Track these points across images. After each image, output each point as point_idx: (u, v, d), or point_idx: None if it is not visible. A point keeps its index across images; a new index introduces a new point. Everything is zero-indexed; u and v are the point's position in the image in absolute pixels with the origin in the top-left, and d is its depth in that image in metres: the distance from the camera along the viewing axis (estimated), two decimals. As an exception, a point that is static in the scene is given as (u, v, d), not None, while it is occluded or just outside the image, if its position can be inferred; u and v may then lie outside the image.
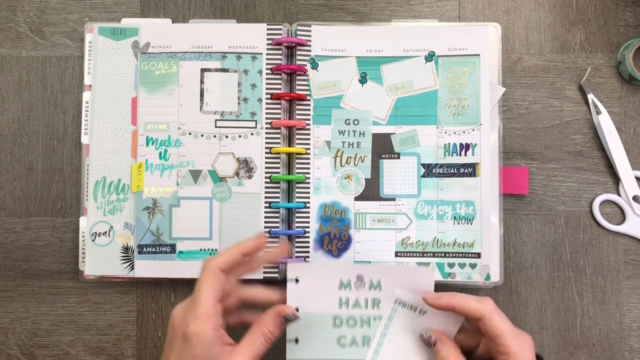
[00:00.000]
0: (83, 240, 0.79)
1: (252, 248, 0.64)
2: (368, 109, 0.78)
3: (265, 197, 0.77)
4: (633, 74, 0.77)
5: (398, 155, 0.78)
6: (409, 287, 0.67)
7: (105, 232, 0.78)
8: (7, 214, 0.80)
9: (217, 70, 0.79)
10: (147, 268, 0.77)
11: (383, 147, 0.78)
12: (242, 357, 0.60)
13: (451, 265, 0.76)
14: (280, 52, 0.79)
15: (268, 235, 0.70)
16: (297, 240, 0.78)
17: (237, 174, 0.78)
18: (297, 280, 0.68)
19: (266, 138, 0.78)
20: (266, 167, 0.78)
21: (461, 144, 0.77)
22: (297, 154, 0.78)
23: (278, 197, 0.78)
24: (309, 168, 0.78)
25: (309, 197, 0.78)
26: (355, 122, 0.78)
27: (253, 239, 0.65)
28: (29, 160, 0.81)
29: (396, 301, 0.67)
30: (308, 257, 0.77)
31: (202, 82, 0.79)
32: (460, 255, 0.77)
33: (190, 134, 0.78)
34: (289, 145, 0.79)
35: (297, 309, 0.66)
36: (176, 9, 0.82)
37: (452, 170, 0.77)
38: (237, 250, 0.63)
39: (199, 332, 0.59)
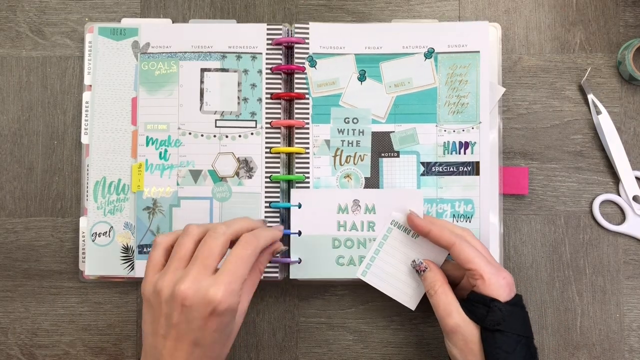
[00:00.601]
0: (83, 240, 0.79)
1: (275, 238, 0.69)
2: (367, 107, 0.78)
3: (266, 197, 0.77)
4: (633, 74, 0.77)
5: (397, 154, 0.78)
6: (402, 208, 0.73)
7: (106, 232, 0.78)
8: (7, 214, 0.81)
9: (217, 70, 0.79)
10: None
11: (382, 145, 0.78)
12: (248, 297, 0.66)
13: (451, 265, 0.76)
14: (280, 52, 0.79)
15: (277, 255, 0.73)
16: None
17: (237, 173, 0.78)
18: (299, 206, 0.75)
19: (266, 138, 0.78)
20: (266, 167, 0.78)
21: (460, 142, 0.77)
22: (297, 153, 0.78)
23: (278, 197, 0.77)
24: (308, 167, 0.78)
25: (308, 197, 0.78)
26: (355, 121, 0.78)
27: (273, 229, 0.69)
28: (29, 160, 0.81)
29: (392, 222, 0.73)
30: (308, 256, 0.77)
31: (202, 82, 0.79)
32: (460, 254, 0.76)
33: (190, 133, 0.78)
34: (289, 145, 0.79)
35: (299, 232, 0.75)
36: (176, 9, 0.82)
37: (452, 169, 0.77)
38: (272, 234, 0.67)
39: (232, 307, 0.60)
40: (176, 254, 0.62)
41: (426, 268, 0.71)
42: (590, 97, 0.80)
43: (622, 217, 0.80)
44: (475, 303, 0.66)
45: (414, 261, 0.72)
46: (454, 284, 0.72)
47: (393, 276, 0.74)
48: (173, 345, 0.59)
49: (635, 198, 0.79)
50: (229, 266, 0.60)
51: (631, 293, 0.79)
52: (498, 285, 0.65)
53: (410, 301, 0.74)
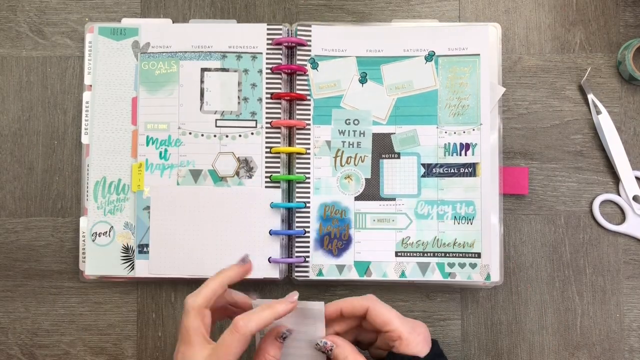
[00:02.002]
0: (83, 240, 0.79)
1: (235, 278, 0.65)
2: (368, 108, 0.78)
3: (266, 197, 0.78)
4: (633, 74, 0.77)
5: (398, 155, 0.78)
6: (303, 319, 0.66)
7: (106, 232, 0.78)
8: (7, 214, 0.81)
9: (217, 70, 0.79)
10: (148, 268, 0.77)
11: (383, 146, 0.78)
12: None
13: (451, 265, 0.77)
14: (280, 52, 0.79)
15: (250, 259, 0.68)
16: (297, 240, 0.78)
17: (237, 173, 0.78)
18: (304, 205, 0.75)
19: (266, 138, 0.78)
20: (266, 167, 0.78)
21: (461, 144, 0.77)
22: (297, 153, 0.78)
23: (278, 197, 0.78)
24: (309, 168, 0.78)
25: (309, 197, 0.78)
26: (356, 122, 0.78)
27: (236, 267, 0.66)
28: (29, 160, 0.81)
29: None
30: (308, 256, 0.77)
31: (202, 81, 0.79)
32: (460, 255, 0.77)
33: (190, 133, 0.78)
34: (289, 145, 0.79)
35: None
36: (176, 9, 0.82)
37: (452, 170, 0.77)
38: (219, 284, 0.64)
39: (191, 325, 0.60)
40: None
41: (332, 346, 0.65)
42: (590, 97, 0.80)
43: (622, 217, 0.80)
44: None
45: (317, 344, 0.66)
46: (366, 345, 0.71)
47: None
48: None
49: (635, 198, 0.79)
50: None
51: (631, 293, 0.79)
52: (416, 343, 0.64)
53: None
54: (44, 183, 0.81)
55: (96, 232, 0.78)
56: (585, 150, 0.80)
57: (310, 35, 0.79)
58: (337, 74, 0.78)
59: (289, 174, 0.78)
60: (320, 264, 0.77)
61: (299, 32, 0.79)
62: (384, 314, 0.65)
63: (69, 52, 0.82)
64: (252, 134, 0.78)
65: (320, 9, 0.82)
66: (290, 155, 0.79)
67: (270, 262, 0.77)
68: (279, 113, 0.78)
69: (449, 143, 0.78)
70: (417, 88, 0.78)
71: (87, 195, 0.78)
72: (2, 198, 0.81)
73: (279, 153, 0.78)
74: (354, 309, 0.66)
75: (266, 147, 0.78)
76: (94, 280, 0.79)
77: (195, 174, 0.78)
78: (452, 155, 0.77)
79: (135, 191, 0.78)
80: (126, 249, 0.78)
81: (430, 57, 0.78)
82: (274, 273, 0.77)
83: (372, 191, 0.78)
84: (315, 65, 0.78)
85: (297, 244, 0.78)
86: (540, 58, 0.81)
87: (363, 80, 0.78)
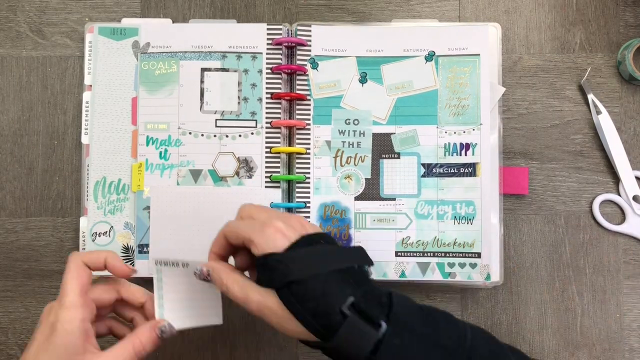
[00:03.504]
0: (83, 240, 0.78)
1: (115, 266, 0.64)
2: (368, 108, 0.78)
3: (266, 197, 0.78)
4: (633, 74, 0.77)
5: (398, 155, 0.78)
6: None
7: (106, 232, 0.78)
8: (7, 214, 0.81)
9: (217, 69, 0.79)
10: (148, 268, 0.77)
11: (383, 146, 0.78)
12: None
13: (451, 265, 0.77)
14: (280, 52, 0.79)
15: (136, 272, 0.66)
16: (297, 240, 0.78)
17: (237, 173, 0.78)
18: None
19: (266, 138, 0.78)
20: (266, 167, 0.78)
21: (461, 144, 0.77)
22: (297, 153, 0.78)
23: (278, 197, 0.77)
24: (309, 168, 0.78)
25: (309, 197, 0.78)
26: (356, 122, 0.78)
27: (122, 264, 0.64)
28: (29, 160, 0.81)
29: (156, 263, 0.65)
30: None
31: (202, 81, 0.79)
32: (460, 255, 0.77)
33: (190, 133, 0.78)
34: (289, 145, 0.79)
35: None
36: (176, 9, 0.82)
37: (452, 170, 0.77)
38: (103, 255, 0.63)
39: (64, 320, 0.58)
40: None
41: (208, 271, 0.61)
42: (590, 97, 0.80)
43: (622, 217, 0.80)
44: (260, 270, 0.58)
45: (195, 272, 0.62)
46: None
47: (190, 304, 0.66)
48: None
49: (635, 198, 0.79)
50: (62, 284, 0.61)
51: (631, 293, 0.79)
52: (267, 239, 0.57)
53: (214, 317, 0.67)
54: (44, 183, 0.81)
55: (96, 232, 0.78)
56: (585, 150, 0.80)
57: (310, 35, 0.79)
58: (337, 74, 0.78)
59: (289, 174, 0.78)
60: (320, 264, 0.77)
61: (299, 32, 0.79)
62: (235, 228, 0.60)
63: (69, 52, 0.82)
64: (252, 134, 0.78)
65: (320, 9, 0.82)
66: (290, 155, 0.79)
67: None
68: (279, 113, 0.78)
69: (449, 143, 0.78)
70: (417, 88, 0.78)
71: (87, 195, 0.78)
72: (2, 198, 0.81)
73: (279, 153, 0.78)
74: (215, 243, 0.62)
75: (266, 147, 0.78)
76: (94, 280, 0.79)
77: (195, 174, 0.78)
78: (452, 155, 0.78)
79: (135, 191, 0.78)
80: (126, 249, 0.78)
81: (430, 57, 0.78)
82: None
83: (372, 191, 0.78)
84: (315, 65, 0.78)
85: (297, 244, 0.78)
86: (540, 58, 0.81)
87: (363, 80, 0.78)
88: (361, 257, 0.60)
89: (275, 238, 0.57)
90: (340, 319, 0.54)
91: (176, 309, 0.65)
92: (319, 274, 0.55)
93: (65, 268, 0.61)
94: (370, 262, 0.60)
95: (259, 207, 0.62)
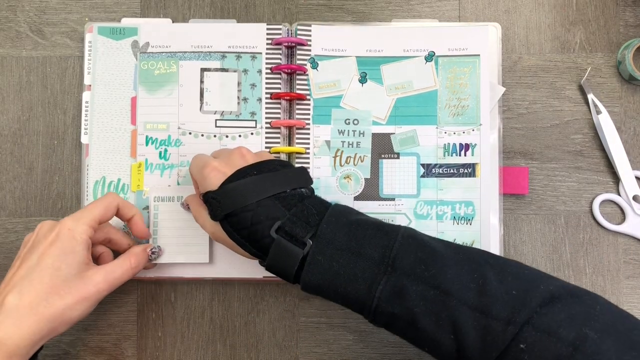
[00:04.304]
0: (83, 240, 0.79)
1: (139, 225, 0.73)
2: (368, 108, 0.78)
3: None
4: (633, 73, 0.77)
5: (398, 155, 0.78)
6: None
7: (106, 231, 0.78)
8: (7, 214, 0.81)
9: (216, 70, 0.79)
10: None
11: (383, 147, 0.78)
12: (103, 276, 0.66)
13: (451, 265, 0.76)
14: (279, 51, 0.79)
15: (151, 236, 0.76)
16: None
17: (237, 173, 0.78)
18: None
19: (266, 138, 0.78)
20: (266, 167, 0.78)
21: (461, 144, 0.77)
22: (297, 153, 0.78)
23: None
24: (308, 168, 0.78)
25: (308, 197, 0.78)
26: (355, 122, 0.78)
27: (144, 226, 0.74)
28: (29, 160, 0.81)
29: (154, 199, 0.77)
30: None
31: (202, 81, 0.79)
32: (460, 255, 0.76)
33: (190, 133, 0.78)
34: (289, 145, 0.79)
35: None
36: (176, 9, 0.82)
37: (452, 171, 0.77)
38: (134, 211, 0.73)
39: (75, 229, 0.65)
40: None
41: (187, 204, 0.73)
42: (590, 96, 0.80)
43: (622, 217, 0.80)
44: (207, 206, 0.66)
45: (181, 205, 0.76)
46: None
47: (180, 241, 0.77)
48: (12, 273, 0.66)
49: (635, 198, 0.79)
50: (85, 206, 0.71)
51: (631, 293, 0.79)
52: (204, 178, 0.65)
53: (201, 255, 0.77)
54: (44, 183, 0.81)
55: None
56: (585, 150, 0.80)
57: (310, 35, 0.79)
58: (337, 74, 0.78)
59: (289, 174, 0.78)
60: (320, 264, 0.77)
61: (298, 32, 0.79)
62: (189, 171, 0.70)
63: (68, 52, 0.82)
64: (251, 134, 0.78)
65: (320, 8, 0.82)
66: (290, 155, 0.79)
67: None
68: (278, 113, 0.78)
69: (449, 143, 0.78)
70: (417, 88, 0.78)
71: (87, 195, 0.78)
72: (2, 198, 0.81)
73: (278, 153, 0.78)
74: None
75: (266, 147, 0.78)
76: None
77: (195, 174, 0.78)
78: (451, 156, 0.78)
79: (134, 191, 0.78)
80: (126, 249, 0.78)
81: (430, 57, 0.78)
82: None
83: (371, 191, 0.78)
84: (315, 65, 0.78)
85: (296, 244, 0.78)
86: (540, 58, 0.81)
87: (363, 80, 0.78)
88: (295, 180, 0.66)
89: (210, 177, 0.64)
90: (269, 241, 0.62)
91: (167, 244, 0.76)
92: (248, 204, 0.62)
93: (100, 198, 0.70)
94: (307, 183, 0.68)
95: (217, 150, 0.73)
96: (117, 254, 0.73)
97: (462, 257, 0.60)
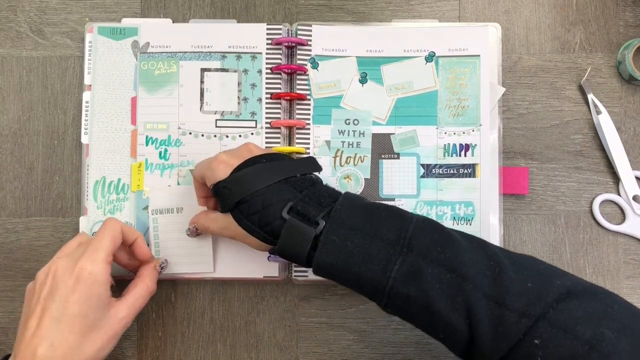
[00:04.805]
0: (83, 240, 0.79)
1: (142, 249, 0.73)
2: (368, 109, 0.78)
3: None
4: (633, 74, 0.77)
5: (398, 156, 0.78)
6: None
7: (106, 231, 0.78)
8: (7, 214, 0.81)
9: (217, 70, 0.79)
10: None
11: (383, 147, 0.78)
12: (127, 311, 0.68)
13: (451, 265, 0.76)
14: (279, 51, 0.79)
15: (160, 267, 0.75)
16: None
17: (237, 173, 0.78)
18: None
19: (266, 138, 0.78)
20: (266, 167, 0.78)
21: (461, 145, 0.77)
22: (297, 153, 0.78)
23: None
24: (308, 168, 0.78)
25: (309, 197, 0.78)
26: (355, 122, 0.78)
27: (147, 248, 0.74)
28: (29, 160, 0.81)
29: (152, 212, 0.77)
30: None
31: (202, 81, 0.79)
32: (460, 255, 0.76)
33: (190, 133, 0.78)
34: (289, 145, 0.79)
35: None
36: (176, 9, 0.82)
37: (452, 171, 0.77)
38: (136, 235, 0.72)
39: (96, 272, 0.64)
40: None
41: (194, 226, 0.74)
42: (590, 97, 0.80)
43: (622, 217, 0.80)
44: (217, 200, 0.68)
45: (187, 235, 0.76)
46: None
47: (183, 252, 0.77)
48: (35, 322, 0.63)
49: (635, 198, 0.79)
50: (93, 241, 0.67)
51: (631, 293, 0.79)
52: (213, 171, 0.66)
53: (206, 265, 0.77)
54: (44, 183, 0.81)
55: (96, 232, 0.78)
56: (585, 150, 0.80)
57: (310, 35, 0.79)
58: (337, 74, 0.78)
59: (289, 174, 0.78)
60: (320, 264, 0.77)
61: (299, 32, 0.79)
62: (195, 170, 0.71)
63: (69, 52, 0.82)
64: (252, 134, 0.78)
65: (320, 9, 0.82)
66: (290, 155, 0.78)
67: (269, 260, 0.77)
68: (278, 113, 0.78)
69: (449, 144, 0.78)
70: (417, 89, 0.78)
71: (87, 195, 0.78)
72: (2, 198, 0.81)
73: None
74: (199, 182, 0.72)
75: (266, 147, 0.78)
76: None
77: (196, 174, 0.78)
78: (451, 156, 0.78)
79: (135, 191, 0.78)
80: (126, 249, 0.78)
81: (430, 57, 0.78)
82: (272, 271, 0.77)
83: (371, 191, 0.78)
84: (315, 65, 0.78)
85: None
86: (540, 58, 0.81)
87: (363, 80, 0.78)
88: (304, 166, 0.68)
89: (219, 169, 0.66)
90: (281, 223, 0.62)
91: (169, 255, 0.77)
92: (258, 189, 0.63)
93: (103, 228, 0.68)
94: (317, 169, 0.70)
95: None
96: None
97: (477, 245, 0.60)
